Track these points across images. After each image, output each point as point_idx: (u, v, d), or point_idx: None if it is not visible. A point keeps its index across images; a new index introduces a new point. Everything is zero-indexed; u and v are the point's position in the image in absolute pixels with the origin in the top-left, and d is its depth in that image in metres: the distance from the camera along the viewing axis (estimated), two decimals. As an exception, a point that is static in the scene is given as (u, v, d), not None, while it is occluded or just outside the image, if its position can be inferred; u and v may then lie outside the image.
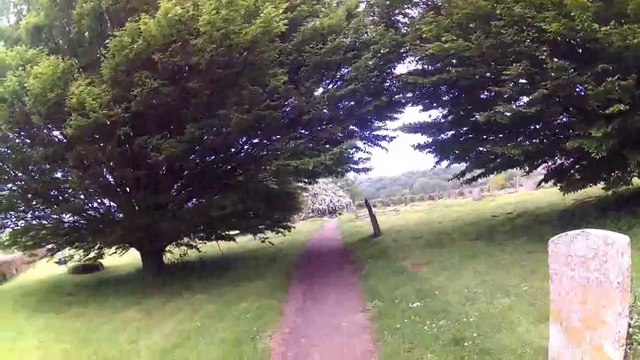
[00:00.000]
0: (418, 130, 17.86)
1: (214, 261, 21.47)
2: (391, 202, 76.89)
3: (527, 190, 42.33)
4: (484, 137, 16.69)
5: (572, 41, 12.96)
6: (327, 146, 16.02)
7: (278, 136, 16.02)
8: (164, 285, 16.32)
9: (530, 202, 26.54)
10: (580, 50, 13.51)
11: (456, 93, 16.78)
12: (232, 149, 18.34)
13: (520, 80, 13.14)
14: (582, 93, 12.69)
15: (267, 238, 22.28)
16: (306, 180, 22.39)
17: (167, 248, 20.40)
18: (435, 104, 17.95)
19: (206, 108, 14.65)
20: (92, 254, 19.29)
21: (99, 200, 18.35)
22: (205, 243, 21.88)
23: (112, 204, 18.52)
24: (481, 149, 16.74)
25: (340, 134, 17.19)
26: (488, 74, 14.19)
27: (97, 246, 18.79)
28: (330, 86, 17.32)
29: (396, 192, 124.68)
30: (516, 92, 13.11)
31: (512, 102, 13.29)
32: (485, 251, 13.60)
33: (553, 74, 11.97)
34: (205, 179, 18.16)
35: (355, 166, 19.71)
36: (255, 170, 15.98)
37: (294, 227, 23.56)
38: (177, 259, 20.93)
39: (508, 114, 12.89)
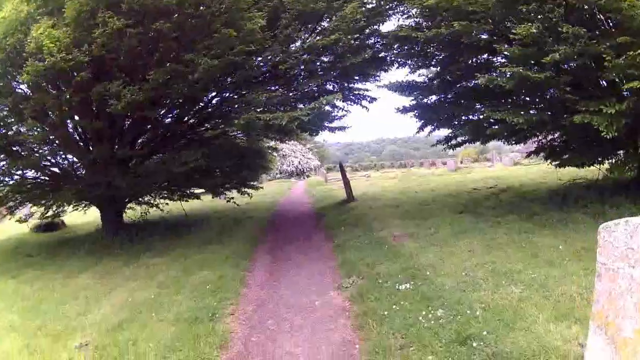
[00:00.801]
0: (405, 89, 16.56)
1: (176, 222, 20.09)
2: (361, 168, 76.53)
3: (504, 166, 41.55)
4: (477, 103, 15.40)
5: (592, 8, 11.54)
6: (303, 101, 14.56)
7: (250, 90, 14.39)
8: (122, 246, 15.43)
9: (511, 178, 25.71)
10: (600, 19, 12.16)
11: (450, 53, 15.29)
12: (200, 103, 16.77)
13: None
14: (595, 65, 11.49)
15: (232, 198, 20.84)
16: (278, 138, 20.94)
17: (129, 206, 19.29)
18: (425, 64, 16.67)
19: (174, 54, 13.08)
20: (50, 212, 18.47)
21: (63, 156, 17.07)
22: (167, 204, 20.78)
23: (74, 159, 17.11)
24: (471, 116, 15.84)
25: (317, 89, 15.76)
26: (493, 34, 12.82)
27: (57, 204, 17.73)
28: (311, 37, 15.67)
29: (364, 158, 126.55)
30: (525, 55, 11.65)
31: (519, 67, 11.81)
32: (476, 227, 12.28)
33: (569, 40, 10.63)
34: (170, 134, 16.69)
35: (330, 124, 18.41)
36: (223, 125, 14.47)
37: (261, 188, 22.09)
38: (138, 219, 19.69)
39: (510, 78, 11.53)
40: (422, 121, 17.72)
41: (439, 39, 13.39)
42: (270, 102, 13.15)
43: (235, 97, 15.69)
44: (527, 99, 14.42)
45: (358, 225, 15.06)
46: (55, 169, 16.95)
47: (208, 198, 24.86)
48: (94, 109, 14.28)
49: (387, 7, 15.43)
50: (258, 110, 13.07)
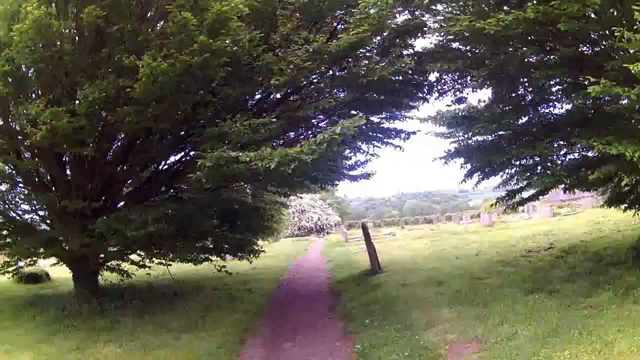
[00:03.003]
0: (452, 122, 12.58)
1: (164, 289, 16.45)
2: (383, 224, 71.93)
3: (542, 217, 36.82)
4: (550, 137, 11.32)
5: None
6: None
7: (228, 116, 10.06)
8: (89, 317, 12.40)
9: (563, 233, 21.87)
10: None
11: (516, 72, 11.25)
12: (155, 134, 12.58)
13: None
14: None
15: (223, 267, 16.34)
16: (279, 192, 16.68)
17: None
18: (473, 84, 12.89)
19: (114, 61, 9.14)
20: (23, 263, 15.77)
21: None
22: (149, 267, 16.41)
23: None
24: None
25: (326, 118, 11.66)
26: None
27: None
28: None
29: (385, 213, 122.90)
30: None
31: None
32: (568, 318, 8.31)
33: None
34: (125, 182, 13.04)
35: (350, 172, 14.94)
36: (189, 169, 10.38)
37: (263, 252, 17.65)
38: (118, 282, 15.73)
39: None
40: (470, 167, 14.13)
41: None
42: (254, 133, 8.90)
43: (203, 124, 11.19)
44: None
45: (389, 317, 10.67)
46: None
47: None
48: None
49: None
50: (237, 145, 8.81)
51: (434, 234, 35.07)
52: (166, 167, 13.93)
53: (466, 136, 14.01)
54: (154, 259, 15.38)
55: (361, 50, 10.42)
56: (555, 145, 11.34)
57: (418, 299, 11.79)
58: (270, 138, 9.69)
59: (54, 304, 13.83)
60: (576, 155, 10.98)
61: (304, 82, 10.51)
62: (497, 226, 35.85)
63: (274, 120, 9.59)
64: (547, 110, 12.65)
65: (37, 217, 15.00)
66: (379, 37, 11.18)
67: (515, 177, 14.13)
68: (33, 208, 14.67)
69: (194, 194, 11.60)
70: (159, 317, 12.43)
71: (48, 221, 14.60)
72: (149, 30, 10.02)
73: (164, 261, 15.55)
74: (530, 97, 12.02)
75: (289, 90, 11.08)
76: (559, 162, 12.29)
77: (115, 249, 13.57)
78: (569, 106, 11.16)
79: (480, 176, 14.51)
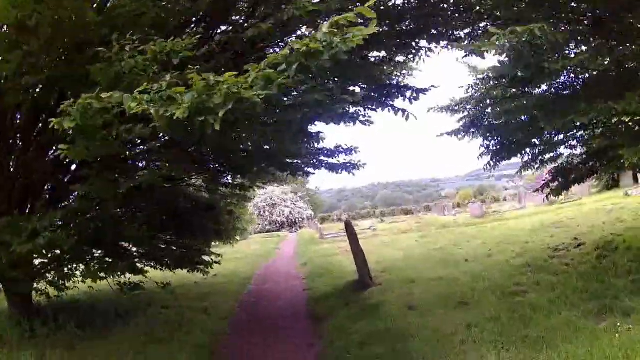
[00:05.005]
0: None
1: (105, 307, 12.75)
2: (359, 216, 68.67)
3: (538, 206, 34.16)
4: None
5: None
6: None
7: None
8: (18, 344, 9.66)
9: (574, 223, 19.92)
10: None
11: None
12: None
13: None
14: None
15: (168, 284, 13.06)
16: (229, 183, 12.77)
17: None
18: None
19: None
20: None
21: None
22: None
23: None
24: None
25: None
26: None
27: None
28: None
29: (358, 205, 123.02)
30: None
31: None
32: None
33: None
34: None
35: (329, 159, 11.65)
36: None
37: (217, 263, 13.83)
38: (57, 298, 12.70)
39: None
40: (488, 144, 12.71)
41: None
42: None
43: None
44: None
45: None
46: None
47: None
48: None
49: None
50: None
51: (421, 227, 31.61)
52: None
53: (483, 105, 12.15)
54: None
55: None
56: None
57: (440, 334, 7.91)
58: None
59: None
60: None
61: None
62: (490, 217, 33.40)
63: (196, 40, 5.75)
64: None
65: None
66: None
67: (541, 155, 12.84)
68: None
69: (97, 190, 7.63)
70: (87, 352, 9.23)
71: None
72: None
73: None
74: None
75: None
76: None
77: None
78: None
79: (502, 155, 12.64)
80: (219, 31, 8.50)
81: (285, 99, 5.78)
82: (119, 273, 11.38)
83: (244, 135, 8.05)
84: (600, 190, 32.43)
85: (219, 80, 4.30)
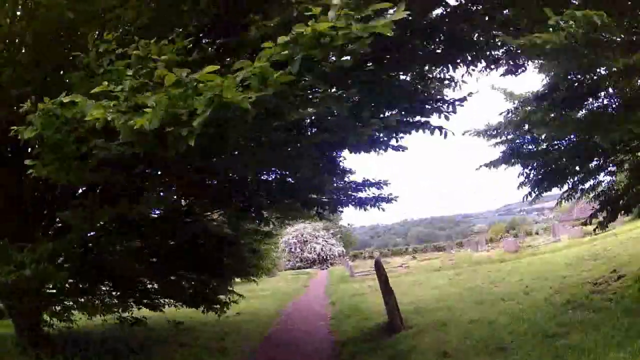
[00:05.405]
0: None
1: (117, 342, 11.91)
2: (391, 253, 67.59)
3: (572, 238, 32.86)
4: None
5: None
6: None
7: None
8: None
9: (611, 255, 18.99)
10: None
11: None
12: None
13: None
14: None
15: (180, 322, 12.95)
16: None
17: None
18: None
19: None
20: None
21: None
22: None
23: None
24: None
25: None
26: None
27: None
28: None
29: (390, 242, 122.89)
30: None
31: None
32: None
33: None
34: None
35: (356, 193, 10.75)
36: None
37: (235, 302, 13.33)
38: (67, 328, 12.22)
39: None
40: (526, 174, 12.28)
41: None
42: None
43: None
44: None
45: None
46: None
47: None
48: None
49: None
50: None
51: (454, 265, 30.40)
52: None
53: (521, 131, 11.75)
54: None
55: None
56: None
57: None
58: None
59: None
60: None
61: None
62: (524, 251, 31.95)
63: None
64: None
65: None
66: None
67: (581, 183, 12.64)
68: None
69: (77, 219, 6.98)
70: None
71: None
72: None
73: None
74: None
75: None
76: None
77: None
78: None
79: (543, 186, 12.27)
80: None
81: (290, 109, 4.82)
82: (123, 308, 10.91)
83: (241, 155, 7.16)
84: (632, 218, 31.12)
85: (195, 79, 3.47)
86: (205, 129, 3.37)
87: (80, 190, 8.45)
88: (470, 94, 8.36)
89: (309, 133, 5.89)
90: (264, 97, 3.44)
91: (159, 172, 7.36)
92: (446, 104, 7.98)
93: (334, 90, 5.53)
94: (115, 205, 6.80)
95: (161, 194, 8.45)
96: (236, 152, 6.79)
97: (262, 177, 10.15)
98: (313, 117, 6.19)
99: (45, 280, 7.21)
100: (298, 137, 5.92)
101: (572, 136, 11.05)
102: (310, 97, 5.00)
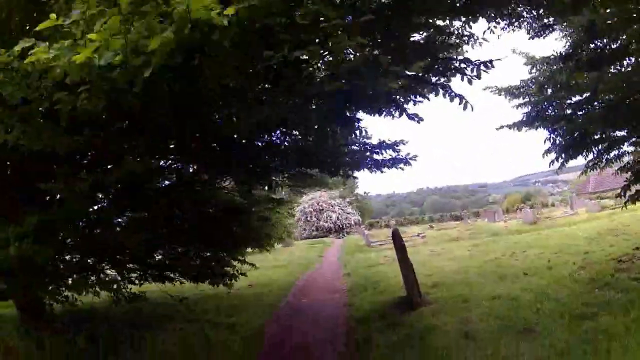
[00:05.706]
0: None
1: (122, 319, 11.77)
2: (407, 222, 67.50)
3: (589, 212, 33.45)
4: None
5: None
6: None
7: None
8: (27, 352, 8.93)
9: (633, 232, 18.94)
10: None
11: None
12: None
13: None
14: None
15: (185, 298, 12.53)
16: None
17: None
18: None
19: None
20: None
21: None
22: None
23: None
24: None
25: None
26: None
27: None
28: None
29: (406, 211, 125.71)
30: None
31: None
32: None
33: None
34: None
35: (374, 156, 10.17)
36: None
37: (244, 274, 12.96)
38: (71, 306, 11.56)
39: None
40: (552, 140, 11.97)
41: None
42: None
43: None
44: None
45: None
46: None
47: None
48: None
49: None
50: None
51: (472, 235, 29.92)
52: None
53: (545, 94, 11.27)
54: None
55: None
56: None
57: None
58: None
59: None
60: None
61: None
62: (542, 223, 31.64)
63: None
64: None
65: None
66: None
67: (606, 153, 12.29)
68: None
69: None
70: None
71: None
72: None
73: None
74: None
75: None
76: None
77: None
78: None
79: (569, 154, 12.03)
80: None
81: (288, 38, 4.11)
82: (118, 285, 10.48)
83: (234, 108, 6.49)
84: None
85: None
86: (171, 60, 2.69)
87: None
88: (498, 58, 7.55)
89: (318, 80, 5.10)
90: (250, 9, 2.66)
91: (143, 132, 6.59)
92: (470, 67, 7.15)
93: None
94: (92, 172, 6.26)
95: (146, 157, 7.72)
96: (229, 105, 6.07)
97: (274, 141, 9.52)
98: (321, 62, 5.43)
99: (32, 257, 6.65)
100: (302, 85, 5.06)
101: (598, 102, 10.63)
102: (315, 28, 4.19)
